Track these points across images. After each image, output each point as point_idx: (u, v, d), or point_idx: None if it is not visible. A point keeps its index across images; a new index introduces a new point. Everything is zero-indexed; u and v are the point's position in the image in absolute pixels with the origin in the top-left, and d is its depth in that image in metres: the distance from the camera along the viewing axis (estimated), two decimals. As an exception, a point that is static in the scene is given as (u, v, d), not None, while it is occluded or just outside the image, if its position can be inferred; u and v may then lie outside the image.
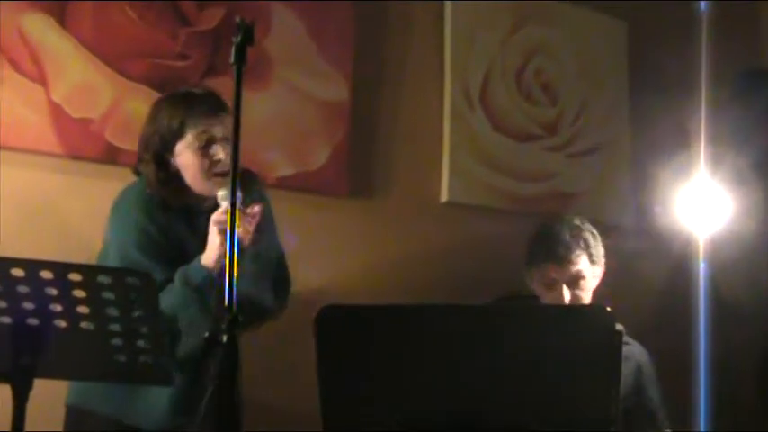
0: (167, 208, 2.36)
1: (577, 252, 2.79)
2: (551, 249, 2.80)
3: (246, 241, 2.23)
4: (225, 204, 2.21)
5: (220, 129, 2.32)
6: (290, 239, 2.64)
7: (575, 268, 2.78)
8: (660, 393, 2.86)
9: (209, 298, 2.17)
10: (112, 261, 2.32)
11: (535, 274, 2.85)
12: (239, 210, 2.18)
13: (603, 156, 3.88)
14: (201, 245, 2.27)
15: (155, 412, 2.31)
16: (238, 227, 2.14)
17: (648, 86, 3.94)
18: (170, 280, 2.26)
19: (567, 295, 2.75)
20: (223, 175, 2.28)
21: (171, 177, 2.36)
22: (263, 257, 2.37)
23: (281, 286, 2.50)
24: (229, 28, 2.19)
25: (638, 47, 3.99)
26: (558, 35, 3.83)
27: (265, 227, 2.36)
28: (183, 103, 2.35)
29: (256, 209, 2.26)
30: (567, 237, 2.81)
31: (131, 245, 2.30)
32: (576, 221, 2.88)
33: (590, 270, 2.82)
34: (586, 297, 2.80)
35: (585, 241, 2.83)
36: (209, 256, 2.23)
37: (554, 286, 2.80)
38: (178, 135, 2.32)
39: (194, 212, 2.36)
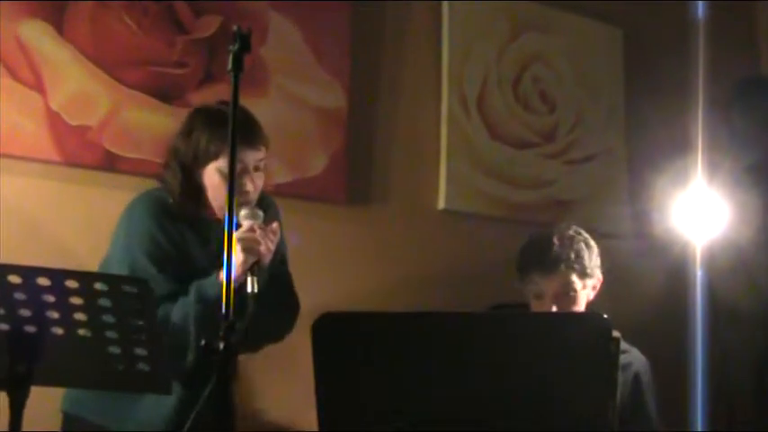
0: (180, 219, 2.34)
1: (566, 264, 2.68)
2: (539, 259, 2.71)
3: (267, 259, 2.21)
4: (247, 223, 2.21)
5: (254, 159, 2.30)
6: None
7: (563, 281, 2.68)
8: (655, 401, 2.79)
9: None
10: (118, 266, 2.30)
11: (525, 283, 2.76)
12: (260, 227, 2.22)
13: (600, 163, 3.88)
14: (211, 257, 2.26)
15: (147, 423, 2.28)
16: (261, 244, 2.17)
17: (645, 93, 3.94)
18: (176, 291, 2.24)
19: (553, 309, 2.65)
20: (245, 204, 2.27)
21: (193, 189, 2.34)
22: (278, 280, 2.35)
23: (289, 311, 2.46)
24: (226, 36, 2.19)
25: (634, 54, 3.99)
26: (554, 43, 3.84)
27: (279, 249, 2.36)
28: (224, 128, 2.21)
29: (275, 226, 2.26)
30: (557, 247, 2.69)
31: (141, 252, 2.28)
32: (571, 231, 2.76)
33: (579, 283, 2.70)
34: (576, 310, 2.68)
35: (577, 253, 2.71)
36: None
37: (541, 298, 2.71)
38: (213, 158, 2.30)
39: (206, 224, 2.34)
